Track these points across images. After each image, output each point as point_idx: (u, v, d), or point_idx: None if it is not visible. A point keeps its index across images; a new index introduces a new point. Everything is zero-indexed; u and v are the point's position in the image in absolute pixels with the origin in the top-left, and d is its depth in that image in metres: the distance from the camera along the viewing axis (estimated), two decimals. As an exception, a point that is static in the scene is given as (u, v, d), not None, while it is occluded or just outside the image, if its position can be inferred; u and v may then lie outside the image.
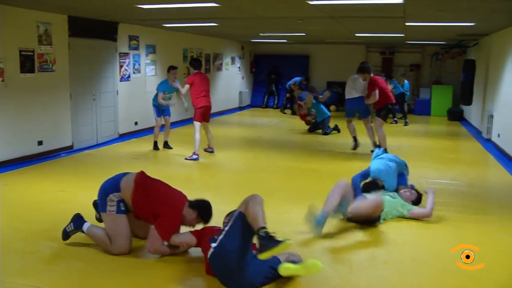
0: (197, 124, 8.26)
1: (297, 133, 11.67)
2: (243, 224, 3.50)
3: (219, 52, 15.27)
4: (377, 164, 5.74)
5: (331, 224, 4.84)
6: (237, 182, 6.94)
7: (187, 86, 8.26)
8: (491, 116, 10.41)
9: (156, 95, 8.76)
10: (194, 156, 8.18)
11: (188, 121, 11.39)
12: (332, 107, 16.78)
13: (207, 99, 8.35)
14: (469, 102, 12.37)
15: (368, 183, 5.45)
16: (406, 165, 5.95)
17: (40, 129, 8.17)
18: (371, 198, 4.90)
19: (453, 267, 3.94)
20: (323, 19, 8.65)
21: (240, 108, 17.09)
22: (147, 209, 3.99)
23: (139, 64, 11.06)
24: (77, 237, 4.30)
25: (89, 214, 4.55)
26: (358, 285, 3.66)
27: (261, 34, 12.82)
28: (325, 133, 11.56)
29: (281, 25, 10.09)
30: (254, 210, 3.49)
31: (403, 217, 5.13)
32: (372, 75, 8.69)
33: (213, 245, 3.45)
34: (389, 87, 13.53)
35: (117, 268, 3.81)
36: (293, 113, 14.37)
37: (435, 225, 4.98)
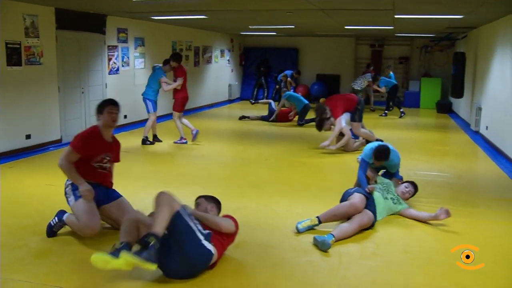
0: (176, 114, 8.87)
1: (288, 126, 11.67)
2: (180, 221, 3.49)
3: (208, 45, 15.20)
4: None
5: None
6: (226, 175, 6.94)
7: (181, 79, 8.67)
8: (479, 109, 10.49)
9: (150, 89, 8.79)
10: (183, 140, 8.85)
11: (169, 116, 11.27)
12: (321, 100, 16.83)
13: (187, 91, 9.01)
14: (460, 94, 12.33)
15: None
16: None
17: (28, 123, 8.09)
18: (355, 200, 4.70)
19: (440, 258, 3.99)
20: (312, 12, 8.64)
21: (230, 101, 17.06)
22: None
23: (128, 57, 10.99)
24: (65, 231, 4.29)
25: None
26: (346, 277, 3.69)
27: (250, 26, 12.78)
28: (300, 124, 11.45)
29: (270, 18, 10.06)
30: (155, 212, 3.48)
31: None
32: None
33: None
34: (382, 89, 13.68)
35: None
36: (274, 120, 12.09)
37: (424, 216, 5.01)
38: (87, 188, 4.18)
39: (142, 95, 8.89)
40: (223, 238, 3.77)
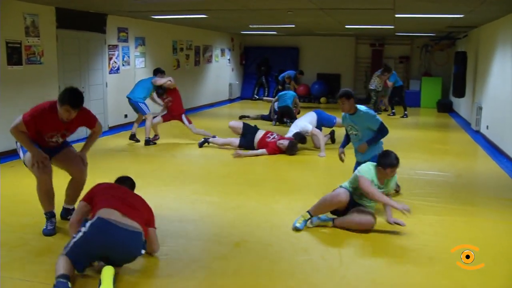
0: (151, 116, 8.86)
1: (287, 126, 11.62)
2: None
3: (208, 44, 15.20)
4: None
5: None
6: (226, 174, 6.93)
7: (172, 81, 8.78)
8: (480, 108, 10.48)
9: (141, 93, 8.83)
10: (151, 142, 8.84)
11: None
12: (322, 99, 16.84)
13: (182, 105, 9.20)
14: (462, 94, 12.19)
15: None
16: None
17: (28, 122, 8.08)
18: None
19: (440, 257, 3.99)
20: (312, 11, 8.64)
21: (230, 101, 17.05)
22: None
23: (128, 56, 10.99)
24: (65, 231, 4.30)
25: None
26: (345, 276, 3.69)
27: (250, 26, 12.78)
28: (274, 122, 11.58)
29: (270, 17, 10.06)
30: None
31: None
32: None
33: None
34: (389, 83, 13.49)
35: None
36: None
37: (424, 216, 5.00)
38: (38, 158, 4.24)
39: (132, 99, 8.82)
40: None
